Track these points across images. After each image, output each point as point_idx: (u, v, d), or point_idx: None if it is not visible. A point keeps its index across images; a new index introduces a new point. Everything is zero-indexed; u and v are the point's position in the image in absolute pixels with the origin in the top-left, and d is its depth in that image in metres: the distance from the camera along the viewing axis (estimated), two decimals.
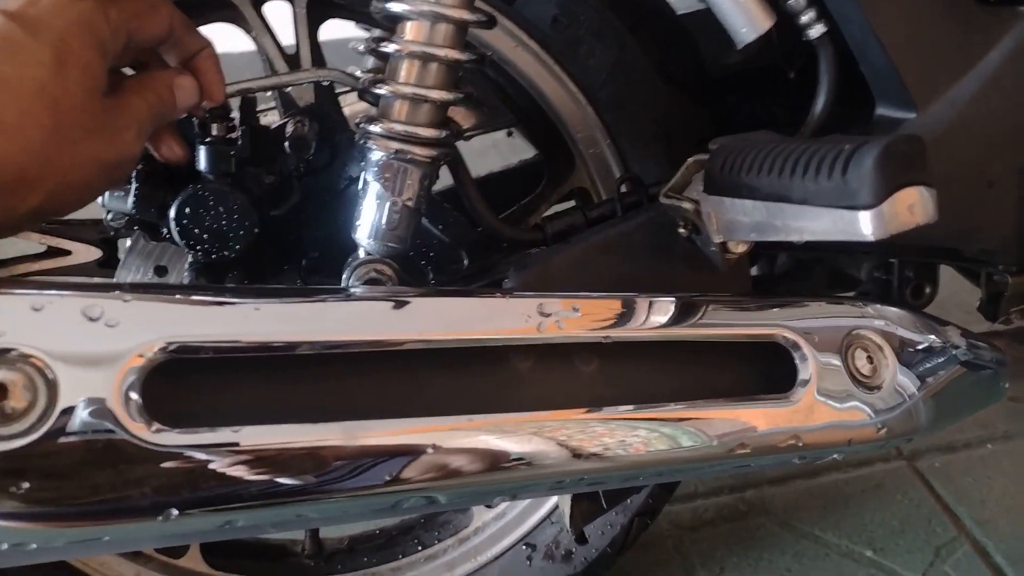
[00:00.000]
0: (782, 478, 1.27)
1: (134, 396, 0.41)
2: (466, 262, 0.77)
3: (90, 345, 0.41)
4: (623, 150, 0.85)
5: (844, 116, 0.74)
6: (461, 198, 0.74)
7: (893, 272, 0.98)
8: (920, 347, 0.67)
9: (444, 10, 0.60)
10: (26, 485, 0.40)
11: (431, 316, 0.49)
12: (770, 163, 0.49)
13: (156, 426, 0.42)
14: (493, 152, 1.31)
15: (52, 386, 0.40)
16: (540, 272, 0.69)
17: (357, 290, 0.55)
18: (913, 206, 0.43)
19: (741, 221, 0.53)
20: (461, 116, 1.03)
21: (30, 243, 0.80)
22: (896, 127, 0.68)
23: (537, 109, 0.85)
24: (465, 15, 0.61)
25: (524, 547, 0.96)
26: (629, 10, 0.81)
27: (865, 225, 0.43)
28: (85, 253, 0.81)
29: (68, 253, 0.81)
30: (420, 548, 0.97)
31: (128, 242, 0.78)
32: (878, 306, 0.67)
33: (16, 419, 0.40)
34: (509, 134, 1.27)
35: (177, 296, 0.44)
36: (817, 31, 0.68)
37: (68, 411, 0.40)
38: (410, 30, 0.62)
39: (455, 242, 0.76)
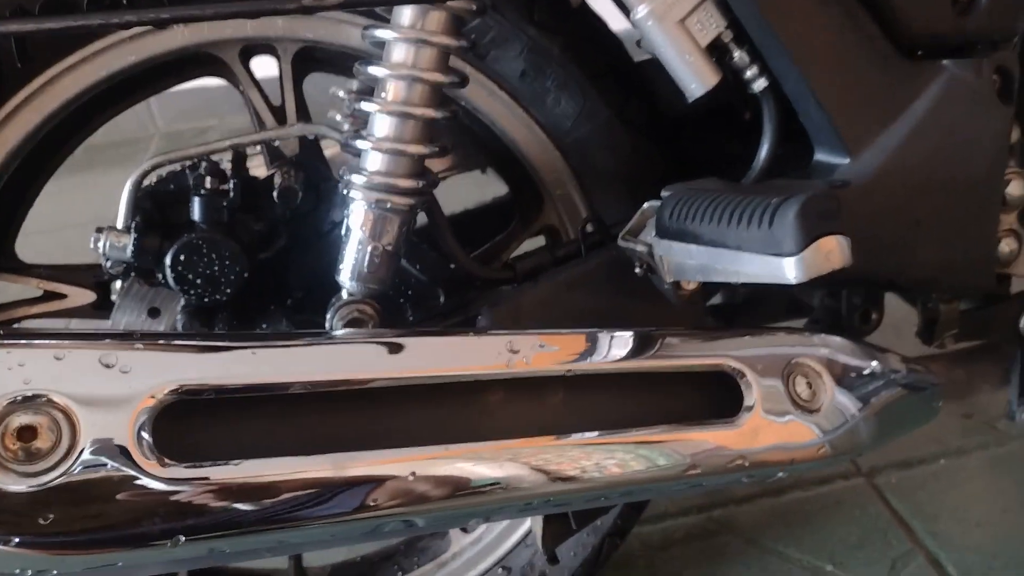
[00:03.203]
0: (748, 497, 1.33)
1: (145, 435, 0.46)
2: (442, 299, 0.83)
3: (106, 389, 0.46)
4: (588, 190, 0.91)
5: (789, 158, 0.81)
6: (436, 239, 0.79)
7: (842, 300, 1.05)
8: (860, 372, 0.73)
9: (420, 73, 0.66)
10: (51, 517, 0.45)
11: (411, 355, 0.54)
12: (711, 212, 0.56)
13: (165, 461, 0.47)
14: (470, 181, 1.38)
15: (73, 427, 0.45)
16: (511, 309, 0.75)
17: (341, 333, 0.60)
18: (830, 253, 0.49)
19: (688, 264, 0.59)
20: (436, 160, 1.10)
21: (28, 288, 0.85)
22: (832, 171, 0.75)
23: (508, 153, 0.91)
24: (440, 77, 0.67)
25: (500, 570, 1.00)
26: (591, 62, 0.88)
27: (789, 270, 0.49)
28: (80, 296, 0.85)
29: (64, 297, 0.85)
30: (400, 574, 1.01)
31: (118, 284, 0.82)
32: (821, 335, 0.74)
33: (42, 458, 0.45)
34: (483, 171, 1.33)
35: (182, 343, 0.49)
36: (760, 85, 0.75)
37: (87, 449, 0.45)
38: (389, 90, 0.67)
39: (432, 281, 0.82)
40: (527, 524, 0.99)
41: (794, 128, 0.80)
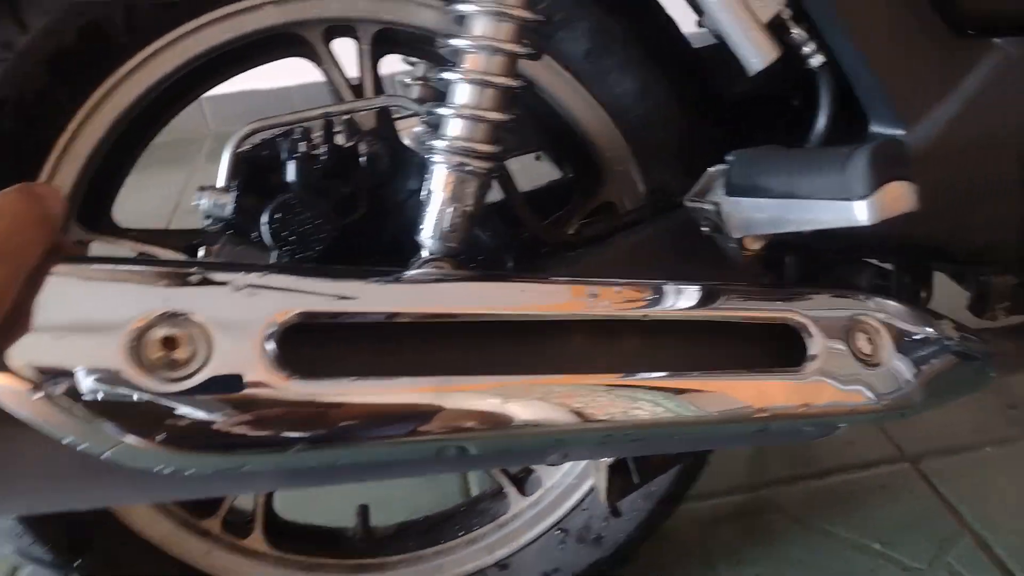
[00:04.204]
0: (792, 478, 1.36)
1: (271, 350, 0.51)
2: (510, 265, 0.87)
3: (238, 310, 0.51)
4: (646, 167, 0.96)
5: (840, 134, 0.85)
6: (510, 207, 0.84)
7: (891, 280, 1.08)
8: (916, 336, 0.76)
9: (499, 44, 0.71)
10: (187, 421, 0.49)
11: (503, 294, 0.59)
12: (781, 167, 0.60)
13: (288, 375, 0.51)
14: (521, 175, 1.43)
15: (209, 341, 0.50)
16: (579, 272, 0.79)
17: (443, 272, 0.65)
18: (899, 197, 0.53)
19: (757, 217, 0.63)
20: None
21: (123, 249, 0.91)
22: None
23: (569, 131, 0.96)
24: (517, 48, 0.72)
25: (558, 531, 1.04)
26: (653, 44, 0.92)
27: (860, 212, 0.53)
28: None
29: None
30: (462, 533, 1.06)
31: (201, 252, 0.88)
32: (878, 299, 0.77)
33: (181, 366, 0.50)
34: (537, 158, 1.38)
35: (302, 273, 0.54)
36: (817, 60, 0.79)
37: (221, 361, 0.50)
38: (470, 61, 0.72)
39: (501, 247, 0.86)
40: (583, 488, 1.03)
41: (844, 113, 0.83)
